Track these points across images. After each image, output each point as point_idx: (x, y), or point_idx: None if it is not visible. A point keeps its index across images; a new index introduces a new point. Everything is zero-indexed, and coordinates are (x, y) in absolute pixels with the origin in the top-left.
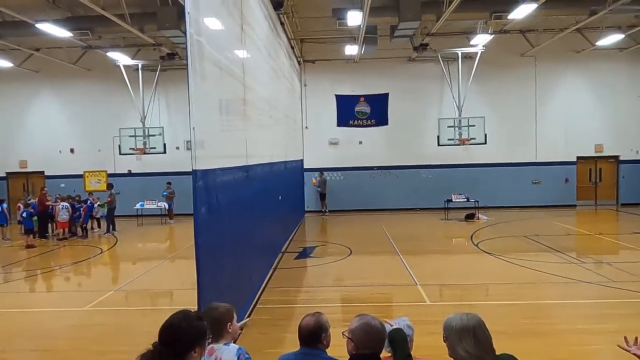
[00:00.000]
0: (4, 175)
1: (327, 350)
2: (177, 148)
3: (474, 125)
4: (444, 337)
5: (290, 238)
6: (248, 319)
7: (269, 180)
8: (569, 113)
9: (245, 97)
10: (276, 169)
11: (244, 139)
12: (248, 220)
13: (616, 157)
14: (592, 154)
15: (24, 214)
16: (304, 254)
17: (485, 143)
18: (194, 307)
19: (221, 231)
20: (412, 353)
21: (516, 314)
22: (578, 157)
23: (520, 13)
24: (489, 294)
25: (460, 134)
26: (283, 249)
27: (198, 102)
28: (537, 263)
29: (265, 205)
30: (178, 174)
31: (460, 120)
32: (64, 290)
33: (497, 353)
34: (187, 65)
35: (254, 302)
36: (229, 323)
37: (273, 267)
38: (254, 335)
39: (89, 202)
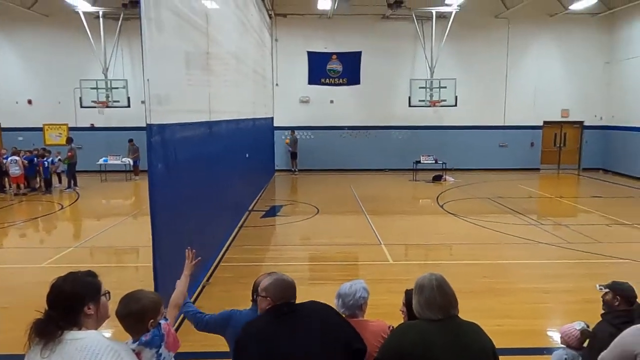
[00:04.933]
0: None
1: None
2: (143, 102)
3: (445, 87)
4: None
5: (258, 196)
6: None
7: (235, 138)
8: (538, 77)
9: (209, 50)
10: (243, 126)
11: (207, 94)
12: (211, 177)
13: (581, 122)
14: (558, 118)
15: None
16: (271, 212)
17: (456, 105)
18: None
19: (180, 188)
20: (364, 315)
21: (477, 273)
22: (544, 122)
23: None
24: (452, 253)
25: (431, 96)
26: (250, 207)
27: (154, 54)
28: (499, 224)
29: (230, 162)
30: (144, 129)
31: (431, 82)
32: (21, 246)
33: (461, 312)
34: (139, 12)
35: (217, 260)
36: (152, 320)
37: (239, 225)
38: (217, 293)
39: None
